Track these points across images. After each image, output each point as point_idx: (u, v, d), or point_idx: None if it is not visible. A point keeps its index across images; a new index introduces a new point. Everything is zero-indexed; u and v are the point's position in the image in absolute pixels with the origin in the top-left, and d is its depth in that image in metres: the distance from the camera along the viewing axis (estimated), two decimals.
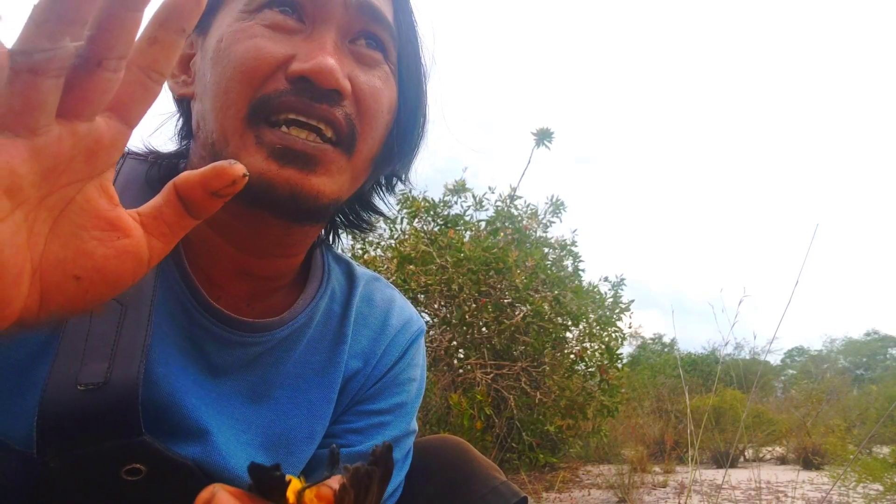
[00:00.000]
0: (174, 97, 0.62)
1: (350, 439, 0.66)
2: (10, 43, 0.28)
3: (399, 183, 0.70)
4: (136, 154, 0.62)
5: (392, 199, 0.73)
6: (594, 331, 5.21)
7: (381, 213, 0.72)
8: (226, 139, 0.52)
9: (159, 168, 0.61)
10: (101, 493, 0.50)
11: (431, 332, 4.61)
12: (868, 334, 25.34)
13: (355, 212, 0.70)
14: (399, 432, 0.70)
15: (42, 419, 0.47)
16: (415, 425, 0.74)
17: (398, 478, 0.70)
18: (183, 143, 0.64)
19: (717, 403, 6.59)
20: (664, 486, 4.51)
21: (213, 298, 0.58)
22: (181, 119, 0.63)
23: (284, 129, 0.51)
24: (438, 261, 4.35)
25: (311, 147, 0.52)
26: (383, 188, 0.71)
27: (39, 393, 0.47)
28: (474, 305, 4.43)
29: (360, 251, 5.04)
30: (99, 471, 0.49)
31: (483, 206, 5.50)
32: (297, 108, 0.51)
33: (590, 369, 5.20)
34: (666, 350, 14.71)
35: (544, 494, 3.88)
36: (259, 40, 0.52)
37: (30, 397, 0.48)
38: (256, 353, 0.60)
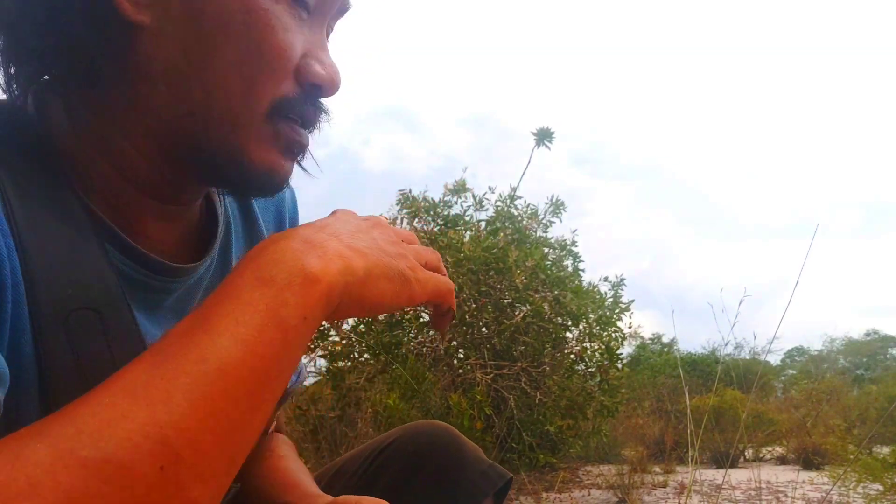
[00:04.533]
0: (129, 17, 0.46)
1: None
2: None
3: None
4: None
5: None
6: (594, 331, 5.21)
7: None
8: (234, 125, 0.49)
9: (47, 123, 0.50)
10: None
11: (431, 332, 4.61)
12: (868, 334, 25.34)
13: None
14: None
15: None
16: None
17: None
18: (97, 79, 0.48)
19: (717, 403, 6.59)
20: (664, 486, 4.51)
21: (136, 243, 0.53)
22: (103, 45, 0.47)
23: (295, 123, 0.53)
24: None
25: (308, 141, 0.55)
26: None
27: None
28: (474, 305, 4.43)
29: None
30: None
31: (483, 206, 5.51)
32: (307, 119, 0.53)
33: (590, 369, 5.20)
34: (665, 350, 14.70)
35: (544, 494, 3.88)
36: (290, 35, 0.49)
37: None
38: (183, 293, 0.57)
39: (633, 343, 13.32)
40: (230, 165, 0.51)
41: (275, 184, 0.54)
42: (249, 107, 0.49)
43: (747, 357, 10.33)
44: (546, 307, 4.57)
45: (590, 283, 5.82)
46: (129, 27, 0.47)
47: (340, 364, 4.37)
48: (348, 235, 0.47)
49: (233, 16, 0.47)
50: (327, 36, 0.56)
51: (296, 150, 0.54)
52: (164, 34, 0.47)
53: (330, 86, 0.52)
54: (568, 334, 5.09)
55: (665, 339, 15.27)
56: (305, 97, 0.51)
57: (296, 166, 0.57)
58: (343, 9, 0.56)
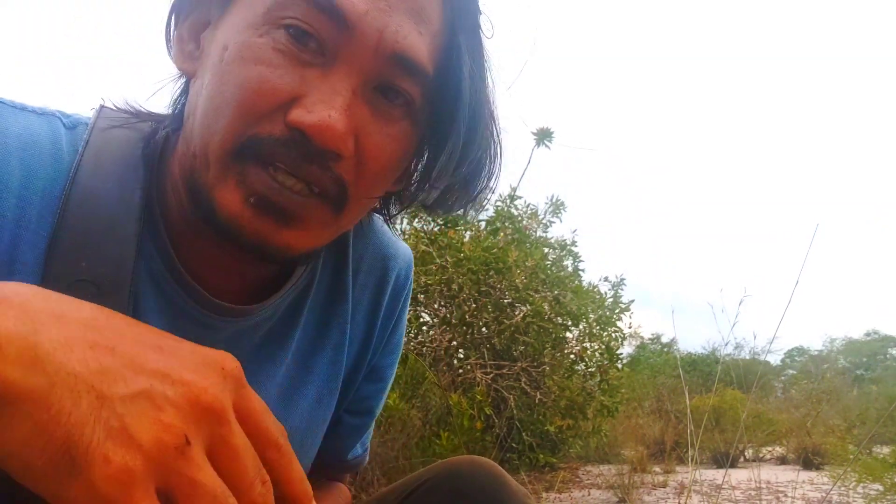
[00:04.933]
0: (176, 66, 0.55)
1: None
2: None
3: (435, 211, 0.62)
4: (118, 112, 0.56)
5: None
6: (594, 331, 5.21)
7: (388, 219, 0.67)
8: (207, 163, 0.48)
9: (154, 142, 0.55)
10: None
11: (431, 332, 4.61)
12: (868, 334, 25.37)
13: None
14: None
15: None
16: None
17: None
18: (177, 118, 0.57)
19: (717, 403, 6.59)
20: (664, 486, 4.51)
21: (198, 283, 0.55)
22: (181, 92, 0.57)
23: (272, 170, 0.47)
24: (438, 261, 4.35)
25: (292, 201, 0.47)
26: (398, 208, 0.63)
27: None
28: (474, 305, 4.43)
29: None
30: None
31: (483, 206, 5.49)
32: (284, 163, 0.46)
33: (590, 369, 5.20)
34: (665, 350, 14.71)
35: (544, 494, 3.88)
36: (265, 69, 0.45)
37: None
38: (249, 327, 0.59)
39: (633, 343, 13.33)
40: (206, 209, 0.48)
41: (247, 241, 0.47)
42: (217, 143, 0.47)
43: (747, 357, 10.31)
44: (546, 307, 4.57)
45: (590, 284, 5.82)
46: (186, 77, 0.55)
47: None
48: (95, 342, 0.31)
49: (218, 51, 0.48)
50: (379, 87, 0.49)
51: (267, 206, 0.47)
52: (198, 79, 0.51)
53: (313, 131, 0.44)
54: (568, 334, 5.09)
55: (665, 339, 15.28)
56: (292, 142, 0.46)
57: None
58: (394, 56, 0.47)
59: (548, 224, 6.04)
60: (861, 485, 3.78)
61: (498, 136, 0.57)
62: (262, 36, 0.46)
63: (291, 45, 0.46)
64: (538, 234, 5.81)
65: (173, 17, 0.55)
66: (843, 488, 3.89)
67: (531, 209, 5.84)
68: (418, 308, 4.56)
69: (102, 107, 0.56)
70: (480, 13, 0.54)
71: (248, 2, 0.48)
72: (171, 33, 0.55)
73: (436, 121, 0.53)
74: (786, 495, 4.07)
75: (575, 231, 5.91)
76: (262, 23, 0.46)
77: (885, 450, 4.69)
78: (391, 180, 0.55)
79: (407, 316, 0.78)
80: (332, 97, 0.45)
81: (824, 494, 4.01)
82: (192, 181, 0.49)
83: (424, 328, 4.64)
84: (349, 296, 0.66)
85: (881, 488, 3.55)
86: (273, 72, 0.45)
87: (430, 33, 0.49)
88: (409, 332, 4.64)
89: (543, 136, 7.56)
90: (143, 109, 0.58)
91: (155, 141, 0.55)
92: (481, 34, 0.54)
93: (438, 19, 0.50)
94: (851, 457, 4.50)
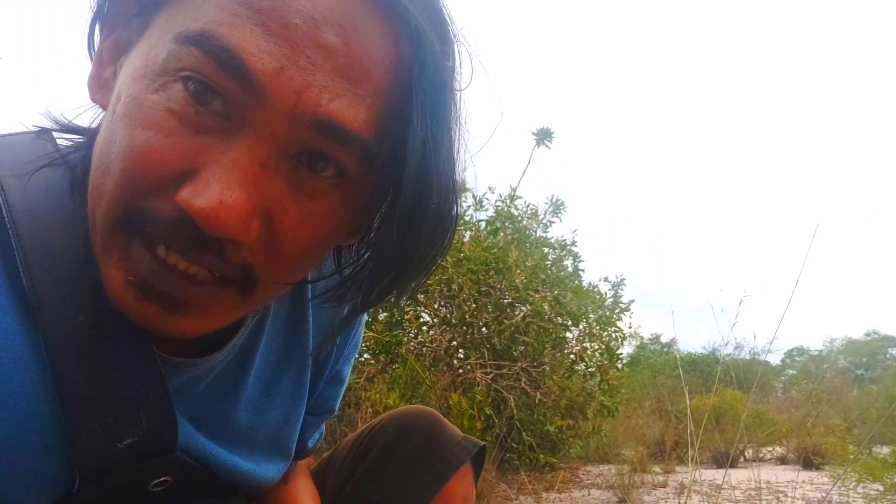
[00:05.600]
0: (89, 94, 0.47)
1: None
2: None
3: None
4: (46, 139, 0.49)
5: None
6: (594, 331, 5.21)
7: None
8: (95, 227, 0.42)
9: (79, 170, 0.47)
10: None
11: (431, 332, 4.60)
12: (868, 334, 25.36)
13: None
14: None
15: (83, 475, 0.45)
16: None
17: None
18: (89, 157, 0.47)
19: (717, 403, 6.59)
20: (664, 486, 4.51)
21: None
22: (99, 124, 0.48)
23: (162, 250, 0.40)
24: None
25: (179, 288, 0.41)
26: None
27: (63, 455, 0.44)
28: (474, 305, 4.43)
29: None
30: (129, 489, 0.50)
31: (483, 206, 5.51)
32: (174, 247, 0.40)
33: (590, 369, 5.20)
34: (665, 350, 14.72)
35: (544, 494, 3.88)
36: (153, 136, 0.38)
37: (48, 461, 0.44)
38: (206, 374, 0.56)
39: (633, 343, 13.34)
40: (99, 277, 0.42)
41: (130, 320, 0.42)
42: (103, 209, 0.40)
43: (747, 357, 10.31)
44: (546, 307, 4.57)
45: (590, 284, 5.82)
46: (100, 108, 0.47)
47: None
48: None
49: (113, 99, 0.42)
50: (301, 155, 0.41)
51: (152, 293, 0.41)
52: (107, 118, 0.43)
53: (203, 217, 0.37)
54: (568, 334, 5.10)
55: (664, 339, 15.28)
56: (181, 224, 0.38)
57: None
58: (317, 122, 0.39)
59: (548, 224, 6.04)
60: (861, 485, 3.78)
61: (454, 211, 0.48)
62: (156, 91, 0.39)
63: (189, 107, 0.38)
64: (538, 234, 5.81)
65: (97, 28, 0.46)
66: (843, 488, 3.88)
67: (531, 209, 5.84)
68: (418, 308, 4.56)
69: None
70: (450, 62, 0.45)
71: (152, 40, 0.40)
72: (93, 49, 0.47)
73: (381, 190, 0.45)
74: (786, 495, 4.07)
75: (575, 231, 5.92)
76: (160, 72, 0.39)
77: (885, 450, 4.69)
78: (314, 260, 0.48)
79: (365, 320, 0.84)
80: (231, 173, 0.38)
81: (824, 494, 4.01)
82: (91, 240, 0.43)
83: (424, 328, 4.64)
84: (309, 316, 0.65)
85: (881, 488, 3.54)
86: (163, 140, 0.38)
87: (371, 93, 0.41)
88: (409, 331, 4.64)
89: (543, 136, 7.56)
90: (70, 122, 0.50)
91: (80, 167, 0.48)
92: (449, 87, 0.45)
93: (386, 74, 0.41)
94: (851, 457, 4.50)
